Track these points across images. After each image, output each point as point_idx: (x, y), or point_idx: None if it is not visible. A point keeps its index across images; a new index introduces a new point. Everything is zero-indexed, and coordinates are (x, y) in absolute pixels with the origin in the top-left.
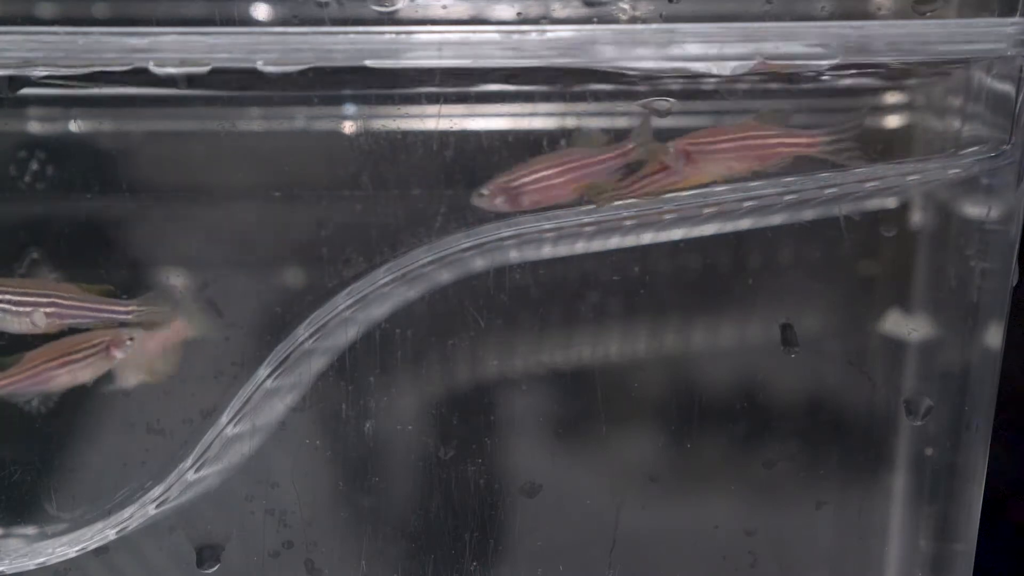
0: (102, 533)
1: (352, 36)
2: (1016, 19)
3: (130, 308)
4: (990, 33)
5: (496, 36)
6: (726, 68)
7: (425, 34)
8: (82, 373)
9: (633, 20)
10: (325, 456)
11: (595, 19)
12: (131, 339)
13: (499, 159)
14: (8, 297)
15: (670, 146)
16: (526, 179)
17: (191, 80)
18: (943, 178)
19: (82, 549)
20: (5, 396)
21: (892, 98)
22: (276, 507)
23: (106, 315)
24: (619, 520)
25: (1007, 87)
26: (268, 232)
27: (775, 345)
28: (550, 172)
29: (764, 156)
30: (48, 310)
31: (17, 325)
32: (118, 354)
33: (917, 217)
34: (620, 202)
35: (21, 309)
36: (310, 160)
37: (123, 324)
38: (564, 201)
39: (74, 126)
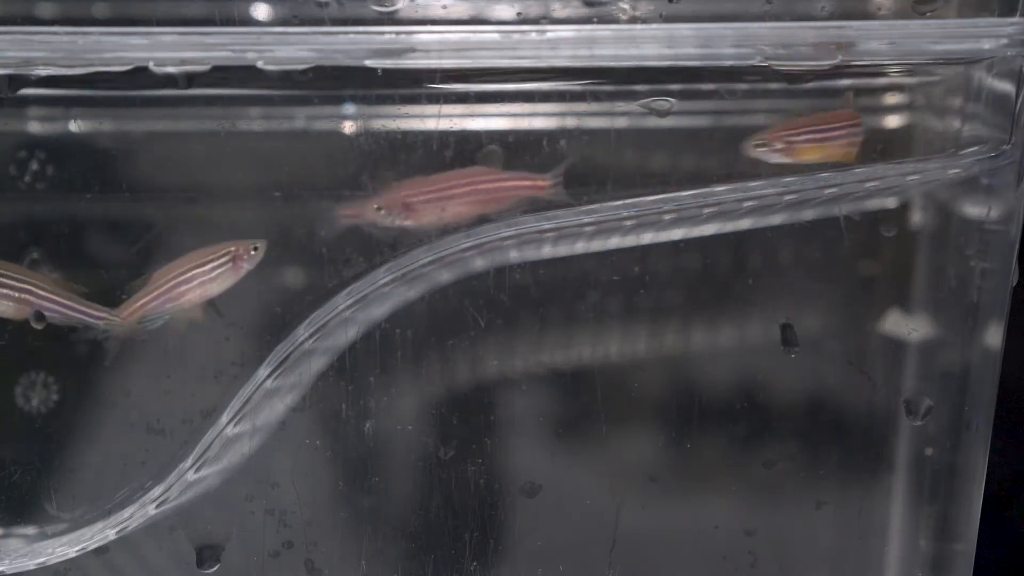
0: (102, 533)
1: (352, 36)
2: (1016, 19)
3: (103, 316)
4: (990, 33)
5: (496, 36)
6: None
7: (425, 34)
8: (211, 286)
9: (633, 20)
10: (325, 456)
11: (595, 19)
12: (255, 248)
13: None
14: None
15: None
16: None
17: (191, 80)
18: (943, 178)
19: (82, 549)
20: (139, 319)
21: (892, 98)
22: (276, 507)
23: (78, 316)
24: (619, 520)
25: (1007, 87)
26: (268, 232)
27: (775, 345)
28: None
29: (493, 200)
30: (19, 296)
31: None
32: (245, 265)
33: (917, 217)
34: (619, 202)
35: None
36: (310, 160)
37: (92, 326)
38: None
39: (74, 126)
